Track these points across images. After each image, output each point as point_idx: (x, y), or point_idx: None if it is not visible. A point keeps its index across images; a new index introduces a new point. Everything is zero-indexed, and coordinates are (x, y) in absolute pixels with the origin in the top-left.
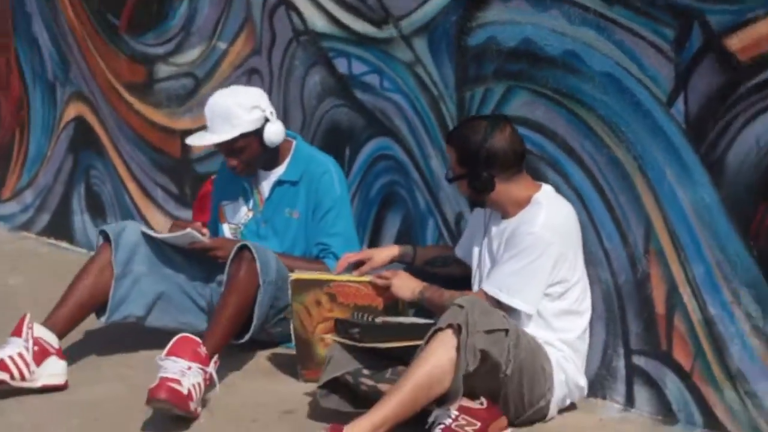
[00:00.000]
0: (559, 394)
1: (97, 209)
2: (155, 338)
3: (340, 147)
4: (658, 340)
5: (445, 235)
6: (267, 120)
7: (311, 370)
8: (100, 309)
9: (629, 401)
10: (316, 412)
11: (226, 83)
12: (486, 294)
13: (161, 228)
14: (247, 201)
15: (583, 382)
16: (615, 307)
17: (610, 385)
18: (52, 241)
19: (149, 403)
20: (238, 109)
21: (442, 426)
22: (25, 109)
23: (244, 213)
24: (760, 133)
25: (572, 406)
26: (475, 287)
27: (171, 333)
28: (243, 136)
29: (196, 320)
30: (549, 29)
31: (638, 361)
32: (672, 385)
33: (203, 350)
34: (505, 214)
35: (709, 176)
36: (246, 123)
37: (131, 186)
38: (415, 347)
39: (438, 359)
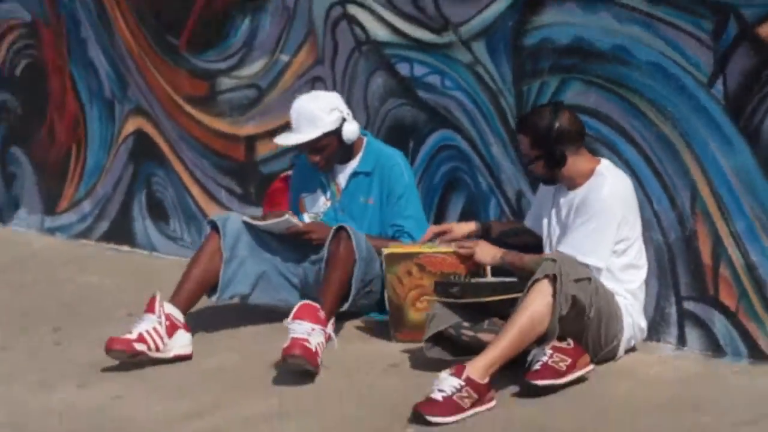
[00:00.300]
0: (627, 335)
1: (159, 214)
2: (252, 315)
3: (404, 141)
4: (706, 287)
5: (507, 212)
6: (344, 120)
7: (403, 332)
8: (210, 289)
9: (681, 341)
10: (418, 364)
11: (289, 92)
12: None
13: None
14: (324, 192)
15: (644, 324)
16: (666, 262)
17: (665, 329)
18: (113, 245)
19: (285, 360)
20: (320, 112)
21: (540, 362)
22: (82, 127)
23: (322, 203)
24: None
25: (633, 349)
26: (547, 250)
27: (269, 309)
28: (325, 135)
29: (291, 297)
30: (598, 28)
31: (688, 306)
32: (719, 324)
33: (322, 314)
34: (573, 186)
35: (748, 145)
36: (327, 123)
37: (194, 190)
38: (509, 300)
39: (538, 305)
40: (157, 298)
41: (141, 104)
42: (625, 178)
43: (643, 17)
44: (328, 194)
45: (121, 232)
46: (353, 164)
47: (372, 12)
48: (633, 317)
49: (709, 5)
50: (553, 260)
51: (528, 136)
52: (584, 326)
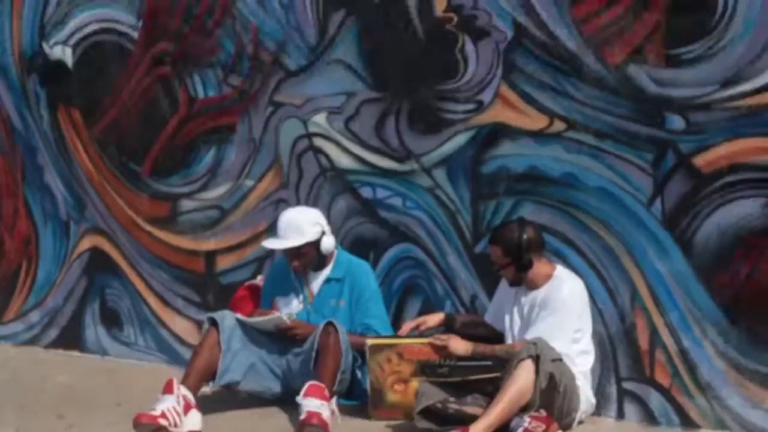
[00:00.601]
0: (582, 409)
1: (112, 321)
2: (239, 401)
3: (365, 253)
4: (643, 369)
5: (462, 312)
6: (323, 233)
7: (382, 411)
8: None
9: (621, 415)
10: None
11: (252, 213)
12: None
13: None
14: (297, 295)
15: (594, 400)
16: (608, 349)
17: (606, 405)
18: (61, 351)
19: (303, 429)
20: (305, 224)
21: (522, 428)
22: (33, 245)
23: (295, 304)
24: (718, 221)
25: (582, 421)
26: (509, 340)
27: (254, 397)
28: (307, 244)
29: (274, 385)
30: (550, 157)
31: (627, 385)
32: (655, 400)
33: (327, 393)
34: (534, 287)
35: (682, 253)
36: (310, 234)
37: (151, 299)
38: (489, 378)
39: (524, 379)
40: (175, 381)
41: (98, 224)
42: (579, 279)
43: (591, 149)
44: (301, 297)
45: (70, 340)
46: (326, 272)
47: (337, 144)
48: (587, 394)
49: (650, 140)
50: (534, 344)
51: (500, 246)
52: (554, 399)
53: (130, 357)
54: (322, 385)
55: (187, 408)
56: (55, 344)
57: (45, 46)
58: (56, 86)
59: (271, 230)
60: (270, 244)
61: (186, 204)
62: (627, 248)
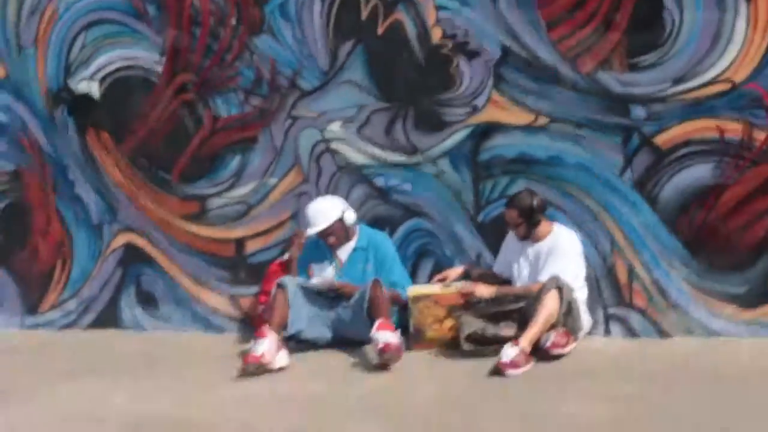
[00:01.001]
0: (585, 327)
1: (148, 302)
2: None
3: (383, 228)
4: (624, 297)
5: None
6: (344, 210)
7: (423, 344)
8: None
9: (608, 333)
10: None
11: (277, 204)
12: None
13: (217, 303)
14: (330, 263)
15: (591, 321)
16: (594, 285)
17: (596, 326)
18: (101, 330)
19: (384, 357)
20: (327, 209)
21: (551, 340)
22: (67, 246)
23: (329, 271)
24: (676, 183)
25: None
26: (518, 284)
27: (311, 343)
28: (334, 223)
29: (327, 333)
30: (537, 145)
31: (611, 311)
32: (634, 319)
33: (393, 327)
34: (538, 240)
35: (650, 207)
36: (334, 214)
37: (184, 281)
38: (517, 308)
39: (552, 305)
40: (266, 328)
41: (130, 224)
42: (573, 232)
43: (571, 136)
44: (334, 264)
45: (108, 321)
46: (351, 243)
47: (351, 145)
48: (586, 316)
49: (619, 127)
50: (556, 278)
51: (516, 209)
52: (570, 320)
53: (167, 330)
54: (389, 322)
55: (277, 348)
56: (93, 326)
57: (70, 82)
58: (84, 114)
59: (294, 218)
60: (310, 231)
61: (215, 202)
62: (605, 208)
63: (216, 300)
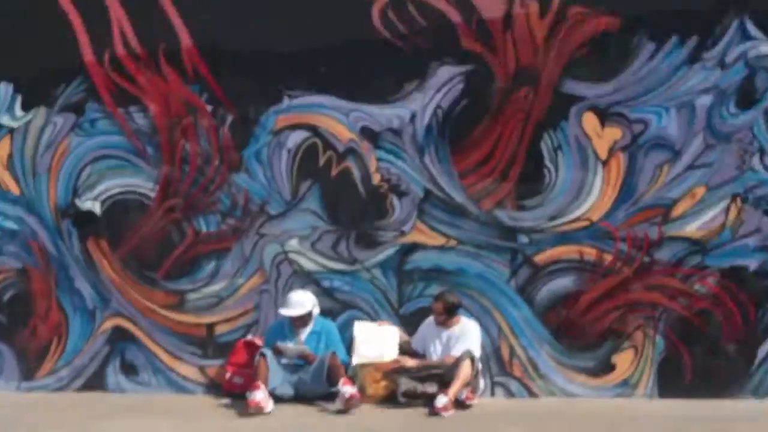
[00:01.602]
0: (481, 387)
1: (130, 371)
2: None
3: (327, 317)
4: (506, 368)
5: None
6: (315, 305)
7: (364, 398)
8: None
9: (493, 394)
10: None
11: (242, 298)
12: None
13: (188, 372)
14: (291, 341)
15: (484, 384)
16: (485, 360)
17: (486, 390)
18: (86, 393)
19: (348, 402)
20: (307, 301)
21: (466, 394)
22: (63, 327)
23: (290, 347)
24: (548, 289)
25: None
26: (432, 358)
27: (278, 397)
28: (307, 312)
29: (290, 391)
30: (447, 260)
31: (497, 378)
32: (513, 385)
33: (351, 382)
34: (451, 326)
35: (528, 306)
36: (309, 305)
37: (162, 354)
38: (437, 374)
39: (467, 370)
40: (259, 382)
41: (119, 311)
42: (474, 321)
43: (472, 255)
44: (294, 342)
45: (94, 386)
46: (309, 328)
47: (305, 256)
48: (482, 381)
49: (508, 249)
50: (469, 352)
51: (442, 303)
52: (474, 381)
53: (145, 393)
54: (350, 381)
55: (267, 397)
56: (81, 389)
57: (77, 201)
58: (86, 227)
59: (257, 308)
60: (288, 312)
61: (192, 296)
62: (495, 306)
63: (186, 370)
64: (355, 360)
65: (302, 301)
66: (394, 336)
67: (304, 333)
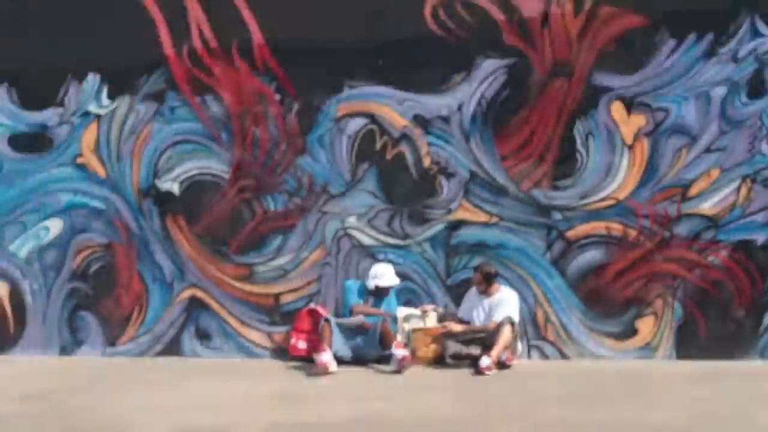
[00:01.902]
0: (519, 350)
1: (204, 337)
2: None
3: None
4: (540, 333)
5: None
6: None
7: (415, 359)
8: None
9: (529, 356)
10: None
11: (305, 271)
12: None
13: (257, 338)
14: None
15: (521, 347)
16: (523, 324)
17: (523, 352)
18: (164, 358)
19: (403, 365)
20: (394, 274)
21: (507, 356)
22: (144, 297)
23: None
24: (579, 262)
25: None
26: (477, 323)
27: (338, 359)
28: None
29: (348, 353)
30: (490, 235)
31: (533, 342)
32: (547, 348)
33: (402, 345)
34: (491, 295)
35: (561, 276)
36: (396, 279)
37: (234, 323)
38: (480, 337)
39: (508, 334)
40: (324, 344)
41: (194, 282)
42: (513, 290)
43: (513, 230)
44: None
45: (170, 351)
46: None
47: (363, 232)
48: (519, 344)
49: (543, 225)
50: (510, 317)
51: (480, 273)
52: (513, 345)
53: (217, 357)
54: (401, 344)
55: (332, 359)
56: (159, 354)
57: (157, 182)
58: (165, 206)
59: (319, 279)
60: (383, 283)
61: (260, 268)
62: (532, 276)
63: (255, 336)
64: (408, 326)
65: (392, 274)
66: (431, 321)
67: (371, 299)
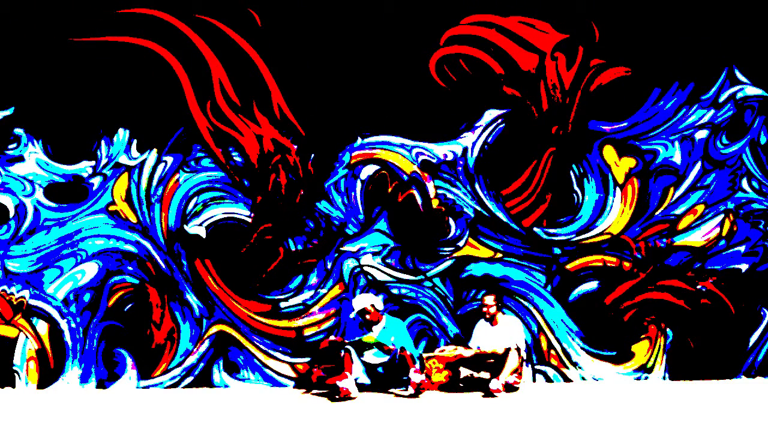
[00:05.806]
0: (524, 374)
1: (231, 368)
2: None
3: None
4: (544, 358)
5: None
6: (373, 303)
7: (428, 385)
8: None
9: (534, 380)
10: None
11: (325, 306)
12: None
13: (280, 369)
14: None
15: (527, 371)
16: (527, 350)
17: (528, 375)
18: (195, 389)
19: (421, 388)
20: (362, 300)
21: (514, 379)
22: (175, 333)
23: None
24: (578, 292)
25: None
26: (487, 351)
27: (358, 385)
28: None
29: (368, 381)
30: (495, 268)
31: (537, 366)
32: (549, 371)
33: (420, 371)
34: (497, 324)
35: (561, 306)
36: (365, 303)
37: (258, 354)
38: (489, 362)
39: (515, 360)
40: (347, 372)
41: (222, 318)
42: (517, 319)
43: (516, 264)
44: (369, 335)
45: (200, 383)
46: (381, 325)
47: (377, 269)
48: (525, 368)
49: (544, 259)
50: (515, 344)
51: (493, 295)
52: (521, 369)
53: (245, 387)
54: (419, 369)
55: (354, 386)
56: (190, 386)
57: (185, 226)
58: (193, 248)
59: (336, 315)
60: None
61: (283, 304)
62: (534, 306)
63: (279, 367)
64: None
65: (359, 301)
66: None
67: (377, 329)
